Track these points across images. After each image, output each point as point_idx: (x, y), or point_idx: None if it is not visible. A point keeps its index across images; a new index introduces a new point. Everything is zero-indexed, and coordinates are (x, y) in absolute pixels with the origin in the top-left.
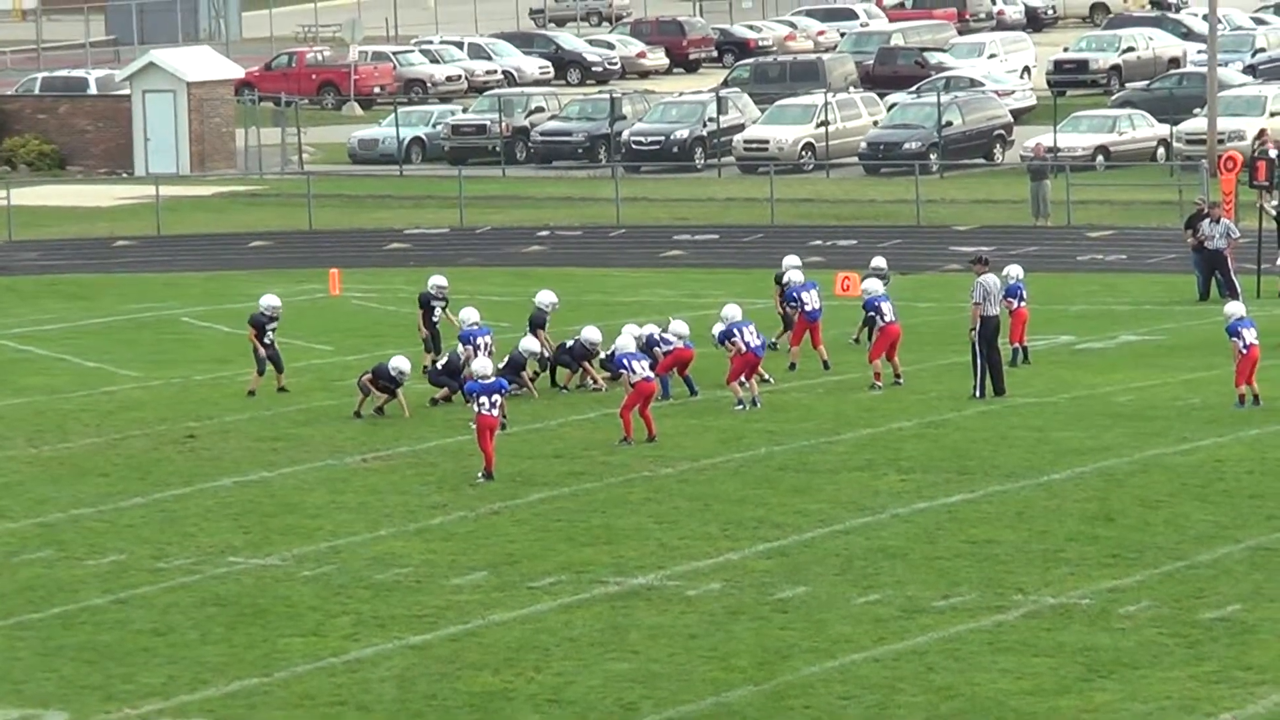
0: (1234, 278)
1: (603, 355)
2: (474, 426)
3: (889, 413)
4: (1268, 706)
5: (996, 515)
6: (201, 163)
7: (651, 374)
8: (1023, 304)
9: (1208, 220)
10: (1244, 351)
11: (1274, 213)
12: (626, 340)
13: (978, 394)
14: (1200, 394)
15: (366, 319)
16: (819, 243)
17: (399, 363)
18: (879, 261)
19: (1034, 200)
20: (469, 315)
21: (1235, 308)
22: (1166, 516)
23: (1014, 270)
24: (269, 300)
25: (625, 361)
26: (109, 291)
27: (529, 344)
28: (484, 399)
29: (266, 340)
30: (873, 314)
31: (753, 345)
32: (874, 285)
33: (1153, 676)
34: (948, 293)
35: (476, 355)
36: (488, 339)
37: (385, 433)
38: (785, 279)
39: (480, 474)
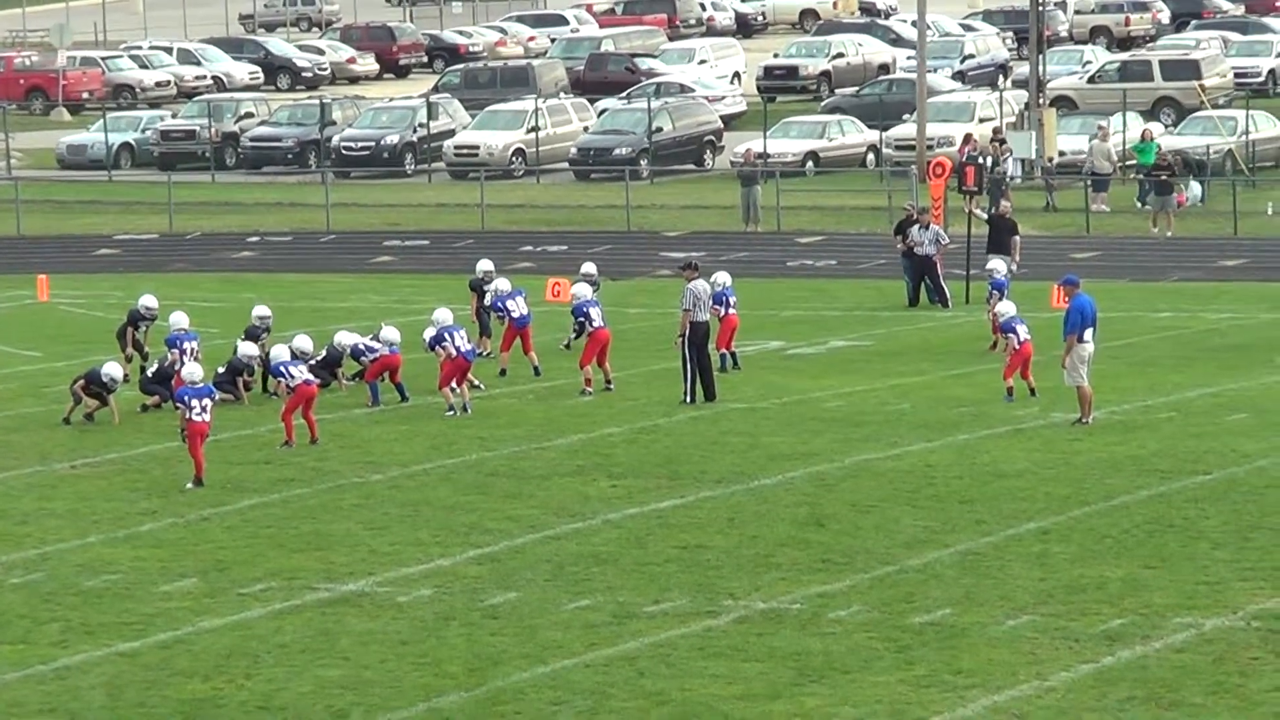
0: (943, 283)
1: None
2: (183, 432)
3: (600, 418)
4: (977, 710)
5: (707, 521)
6: None
7: (312, 377)
8: (731, 310)
9: (917, 226)
10: (1018, 347)
11: (984, 218)
12: (281, 351)
13: (688, 399)
14: (909, 399)
15: (75, 325)
16: (530, 248)
17: (111, 369)
18: (589, 267)
19: (744, 206)
20: (178, 320)
21: (1007, 307)
22: (877, 521)
23: (722, 277)
24: None
25: (282, 369)
26: None
27: (248, 349)
28: (195, 403)
29: None
30: (582, 319)
31: (463, 350)
32: (583, 290)
33: (863, 681)
34: (658, 298)
35: (182, 360)
36: (194, 344)
37: (94, 439)
38: (493, 286)
39: (190, 481)
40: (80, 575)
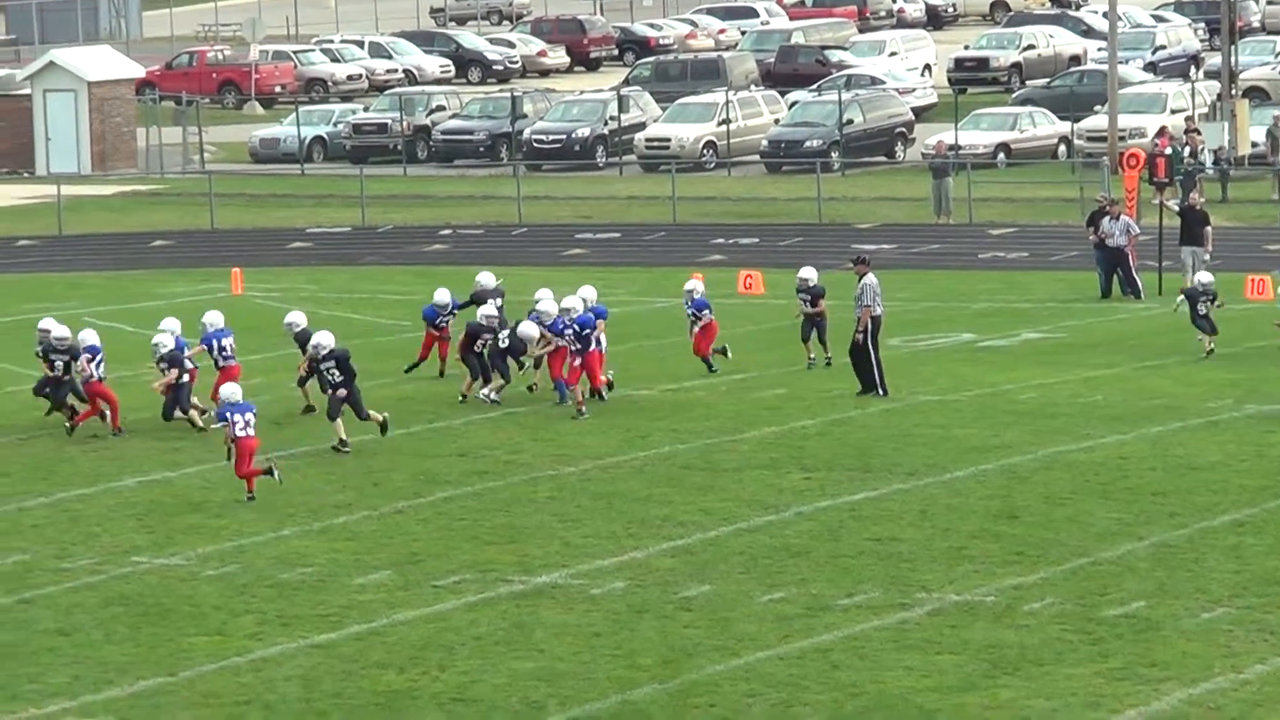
0: (1135, 275)
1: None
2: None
3: (792, 411)
4: (1172, 703)
5: (900, 513)
6: (103, 162)
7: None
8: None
9: (1108, 217)
10: None
11: (1176, 209)
12: (548, 306)
13: (881, 392)
14: (1102, 391)
15: (268, 318)
16: (721, 241)
17: (322, 338)
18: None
19: (936, 198)
20: (213, 319)
21: None
22: (1070, 514)
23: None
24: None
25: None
26: (10, 292)
27: (527, 330)
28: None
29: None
30: (694, 314)
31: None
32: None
33: (1057, 673)
34: (849, 290)
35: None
36: (230, 341)
37: (289, 432)
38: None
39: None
40: (275, 568)
